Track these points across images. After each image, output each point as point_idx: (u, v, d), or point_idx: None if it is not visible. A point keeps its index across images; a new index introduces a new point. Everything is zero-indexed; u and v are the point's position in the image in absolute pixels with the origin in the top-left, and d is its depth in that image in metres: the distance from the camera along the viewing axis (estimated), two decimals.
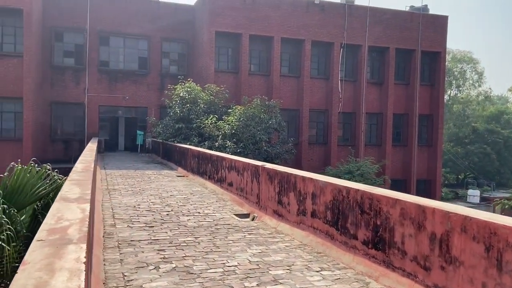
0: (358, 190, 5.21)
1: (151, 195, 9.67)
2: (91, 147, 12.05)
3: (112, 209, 7.90)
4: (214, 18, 22.59)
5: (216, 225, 7.06)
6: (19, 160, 5.78)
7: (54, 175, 5.53)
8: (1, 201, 4.46)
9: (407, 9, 28.31)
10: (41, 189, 5.15)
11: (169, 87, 20.63)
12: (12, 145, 19.68)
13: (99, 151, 21.59)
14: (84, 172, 5.60)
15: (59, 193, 3.89)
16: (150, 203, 8.64)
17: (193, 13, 25.50)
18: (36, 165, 5.57)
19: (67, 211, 3.14)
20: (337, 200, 5.65)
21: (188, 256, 5.23)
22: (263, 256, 5.34)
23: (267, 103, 19.73)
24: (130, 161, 18.67)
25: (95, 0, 23.29)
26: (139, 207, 8.20)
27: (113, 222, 6.84)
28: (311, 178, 6.33)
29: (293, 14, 23.92)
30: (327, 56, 25.56)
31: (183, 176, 13.74)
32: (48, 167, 5.50)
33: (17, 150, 19.54)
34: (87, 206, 3.38)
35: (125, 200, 8.86)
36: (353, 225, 5.31)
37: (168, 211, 7.96)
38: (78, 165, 6.56)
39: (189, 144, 16.61)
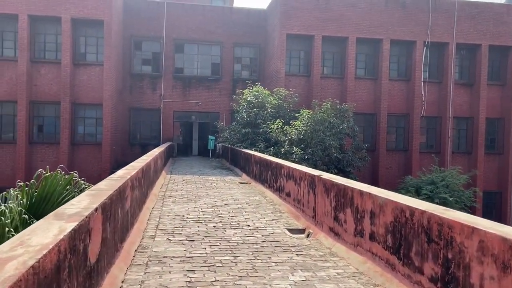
0: (425, 212, 4.13)
1: (205, 203, 9.24)
2: (153, 152, 12.05)
3: (159, 218, 7.56)
4: (285, 20, 21.99)
5: (263, 241, 6.33)
6: (61, 166, 5.63)
7: (82, 183, 5.25)
8: (22, 211, 4.21)
9: (503, 1, 25.11)
10: (68, 197, 4.89)
11: (237, 91, 20.43)
12: (93, 149, 20.88)
13: (171, 155, 22.15)
14: (116, 181, 5.23)
15: (59, 208, 3.47)
16: (201, 213, 8.18)
17: (265, 17, 25.17)
18: (75, 173, 5.32)
19: (40, 233, 2.64)
20: (399, 222, 4.60)
21: (217, 281, 4.56)
22: (306, 286, 4.49)
23: (338, 106, 18.55)
24: (199, 166, 18.70)
25: (172, 10, 24.03)
26: (187, 217, 7.76)
27: (153, 234, 6.44)
28: (369, 193, 5.32)
29: (370, 12, 22.42)
30: (408, 56, 23.55)
31: (246, 183, 13.23)
32: (76, 174, 5.24)
33: (98, 153, 20.73)
34: (72, 225, 2.87)
35: (176, 208, 8.52)
36: (418, 256, 4.23)
37: (216, 223, 7.41)
38: (119, 172, 6.27)
39: (255, 150, 16.11)
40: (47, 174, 4.87)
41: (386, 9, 22.59)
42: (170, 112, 24.26)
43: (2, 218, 3.82)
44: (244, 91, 19.33)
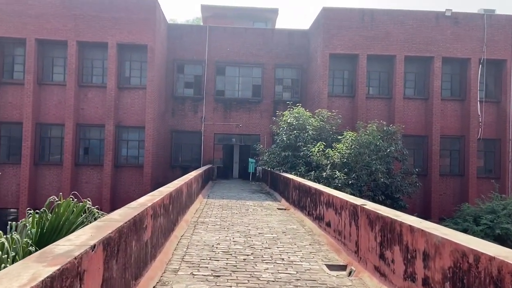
0: (494, 258, 3.28)
1: (238, 231, 8.62)
2: (187, 176, 11.67)
3: (187, 248, 7.02)
4: (329, 40, 21.42)
5: (297, 280, 5.59)
6: (74, 193, 5.27)
7: (96, 211, 4.84)
8: (29, 243, 3.82)
9: None
10: (80, 227, 4.48)
11: (277, 113, 19.93)
12: (135, 171, 21.02)
13: (211, 178, 21.86)
14: (133, 209, 4.76)
15: (53, 243, 2.99)
16: (232, 243, 7.56)
17: (307, 38, 24.75)
18: (89, 201, 4.93)
19: (4, 282, 2.14)
20: (460, 269, 3.74)
21: None
22: None
23: (385, 128, 17.48)
24: (237, 190, 18.19)
25: (214, 33, 24.24)
26: (217, 247, 7.17)
27: (177, 267, 5.89)
28: (422, 230, 4.48)
29: (419, 29, 21.35)
30: (461, 74, 22.09)
31: (284, 209, 12.49)
32: (89, 202, 4.84)
33: (139, 175, 20.83)
34: (51, 271, 2.36)
35: (206, 236, 7.96)
36: None
37: (247, 255, 6.75)
38: (142, 199, 5.82)
39: (295, 174, 15.38)
40: (60, 202, 4.51)
41: (437, 25, 21.43)
42: (211, 135, 24.15)
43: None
44: (284, 112, 18.79)
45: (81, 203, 4.80)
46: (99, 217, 4.94)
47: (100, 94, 20.64)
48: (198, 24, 25.18)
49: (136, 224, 4.45)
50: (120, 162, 21.11)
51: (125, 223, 4.02)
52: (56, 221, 4.38)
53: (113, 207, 19.92)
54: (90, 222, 4.71)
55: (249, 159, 24.05)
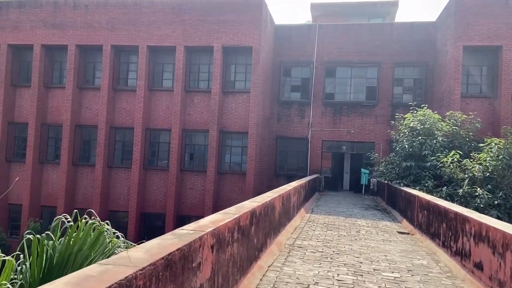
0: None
1: (344, 264, 6.54)
2: (284, 188, 9.91)
3: (273, 286, 5.22)
4: (462, 30, 17.91)
5: None
6: (89, 211, 3.90)
7: (116, 241, 3.35)
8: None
9: None
10: (95, 260, 3.04)
11: (396, 116, 17.09)
12: (238, 178, 20.08)
13: (317, 189, 19.82)
14: (177, 238, 3.14)
15: None
16: (335, 282, 5.54)
17: (434, 30, 21.29)
18: (107, 223, 3.47)
19: None
20: None
21: None
22: None
23: None
24: (347, 204, 15.86)
25: (323, 32, 22.35)
26: None
27: None
28: None
29: None
30: None
31: (407, 234, 9.93)
32: (107, 226, 3.37)
33: (242, 183, 19.83)
34: None
35: (301, 270, 6.06)
36: None
37: None
38: (204, 220, 4.20)
39: (420, 189, 12.55)
40: (73, 225, 3.17)
41: None
42: (318, 142, 22.16)
43: None
44: (406, 115, 15.92)
45: (95, 225, 3.37)
46: (119, 248, 3.46)
47: (205, 99, 20.25)
48: (307, 23, 23.52)
49: (174, 264, 2.79)
50: (223, 168, 20.38)
51: (147, 268, 2.38)
52: (67, 252, 3.01)
53: None
54: (108, 256, 3.26)
55: (362, 169, 21.40)
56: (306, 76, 22.64)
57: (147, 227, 20.47)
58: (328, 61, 22.27)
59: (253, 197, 18.82)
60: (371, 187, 20.74)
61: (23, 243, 2.95)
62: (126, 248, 3.47)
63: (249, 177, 19.37)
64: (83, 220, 3.37)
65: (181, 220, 20.08)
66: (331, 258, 6.88)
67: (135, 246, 3.08)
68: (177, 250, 2.87)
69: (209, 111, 19.91)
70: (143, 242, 2.97)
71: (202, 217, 17.45)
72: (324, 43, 22.25)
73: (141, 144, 20.06)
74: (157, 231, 20.19)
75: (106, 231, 3.35)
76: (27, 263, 2.97)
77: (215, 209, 19.26)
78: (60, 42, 20.60)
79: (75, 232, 3.22)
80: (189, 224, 3.80)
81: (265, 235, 6.46)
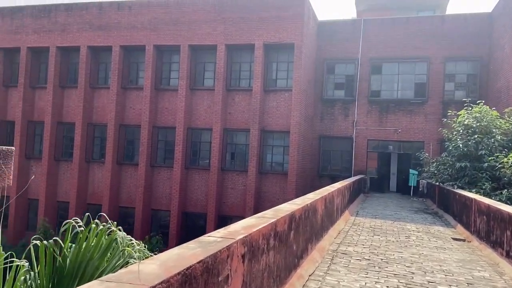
0: None
1: (394, 275, 5.92)
2: (327, 189, 9.34)
3: None
4: None
5: None
6: (100, 214, 3.58)
7: (130, 251, 2.99)
8: None
9: None
10: (106, 272, 2.72)
11: (448, 114, 15.93)
12: (279, 178, 19.63)
13: (362, 191, 18.97)
14: (200, 247, 2.76)
15: None
16: None
17: (490, 21, 19.79)
18: (120, 229, 3.13)
19: None
20: None
21: None
22: None
23: None
24: (395, 207, 14.97)
25: (369, 27, 21.41)
26: None
27: None
28: None
29: None
30: None
31: (463, 241, 9.06)
32: (120, 232, 3.01)
33: (283, 183, 19.37)
34: None
35: (346, 280, 5.52)
36: None
37: None
38: (235, 226, 3.80)
39: (476, 192, 11.53)
40: (84, 230, 2.86)
41: None
42: (363, 141, 21.24)
43: None
44: (459, 112, 14.78)
45: (107, 231, 3.04)
46: (134, 258, 3.09)
47: (246, 97, 19.96)
48: (351, 19, 22.67)
49: (194, 280, 2.40)
50: (265, 168, 20.00)
51: (157, 287, 2.00)
52: (77, 261, 2.71)
53: None
54: (121, 266, 2.91)
55: (410, 170, 20.26)
56: (351, 73, 21.80)
57: (189, 227, 20.49)
58: (374, 57, 21.31)
59: (296, 197, 18.36)
60: (420, 189, 19.59)
61: (31, 248, 2.69)
62: (140, 257, 3.12)
63: (291, 177, 18.87)
64: (93, 225, 3.06)
65: (222, 220, 19.93)
66: (379, 267, 6.27)
67: (151, 256, 2.73)
68: (198, 262, 2.48)
69: (250, 110, 19.61)
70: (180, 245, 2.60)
71: (243, 217, 17.04)
72: (369, 39, 21.32)
73: (183, 143, 20.10)
74: (199, 231, 20.14)
75: (118, 238, 3.01)
76: (33, 272, 2.70)
77: (256, 210, 18.95)
78: (105, 44, 21.09)
79: (86, 238, 2.92)
80: (218, 230, 3.41)
81: (306, 241, 5.98)
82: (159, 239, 18.93)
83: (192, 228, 20.45)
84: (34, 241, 2.71)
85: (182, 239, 20.31)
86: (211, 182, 19.75)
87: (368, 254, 7.10)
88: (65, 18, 21.66)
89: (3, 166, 3.77)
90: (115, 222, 3.08)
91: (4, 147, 3.97)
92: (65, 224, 2.99)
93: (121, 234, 3.00)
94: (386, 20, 21.69)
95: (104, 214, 3.57)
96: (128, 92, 21.37)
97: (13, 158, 3.80)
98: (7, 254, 3.07)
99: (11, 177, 3.77)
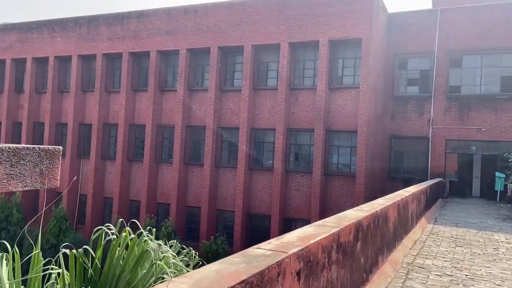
0: None
1: None
2: (399, 194, 8.41)
3: None
4: None
5: None
6: (119, 219, 3.19)
7: (161, 265, 2.54)
8: None
9: None
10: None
11: None
12: (346, 181, 18.68)
13: (441, 195, 17.40)
14: (245, 265, 2.27)
15: None
16: None
17: None
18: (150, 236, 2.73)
19: None
20: None
21: None
22: None
23: None
24: (479, 214, 13.40)
25: (446, 17, 19.66)
26: None
27: None
28: None
29: None
30: None
31: None
32: (152, 242, 2.58)
33: (351, 186, 18.40)
34: None
35: None
36: None
37: None
38: (289, 236, 3.26)
39: None
40: (116, 239, 2.49)
41: None
42: (441, 141, 19.51)
43: None
44: None
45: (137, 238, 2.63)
46: (168, 275, 2.64)
47: (310, 96, 19.27)
48: (426, 9, 20.99)
49: None
50: (330, 170, 19.14)
51: None
52: (110, 273, 2.35)
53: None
54: (155, 281, 2.50)
55: (496, 173, 18.20)
56: (426, 68, 20.18)
57: (253, 228, 20.26)
58: (453, 50, 19.51)
59: (364, 201, 17.36)
60: (508, 194, 17.49)
61: (59, 257, 2.39)
62: (175, 272, 2.70)
63: (359, 179, 17.84)
64: (124, 233, 2.71)
65: (287, 222, 19.44)
66: (464, 286, 5.36)
67: (187, 272, 2.29)
68: (240, 283, 1.99)
69: (315, 109, 18.89)
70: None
71: (308, 221, 16.47)
72: (447, 30, 19.56)
73: (246, 144, 19.91)
74: (263, 233, 19.82)
75: (151, 250, 2.61)
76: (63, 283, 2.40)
77: (322, 213, 18.21)
78: (172, 48, 21.61)
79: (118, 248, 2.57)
80: (269, 241, 2.91)
81: (376, 252, 5.27)
82: (224, 240, 18.89)
83: (256, 229, 20.19)
84: (63, 250, 2.42)
85: (247, 240, 20.13)
86: (274, 183, 19.33)
87: (450, 269, 6.17)
88: (136, 24, 22.56)
89: (48, 167, 3.55)
90: (154, 229, 2.71)
91: (50, 146, 3.74)
92: (96, 231, 2.68)
93: (153, 246, 2.60)
94: (466, 9, 19.76)
95: (136, 221, 3.21)
96: (194, 94, 21.69)
97: (60, 158, 3.60)
98: (46, 260, 2.83)
99: (58, 177, 3.57)
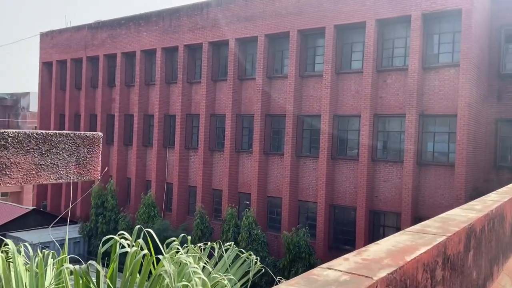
0: None
1: None
2: (506, 191, 6.83)
3: None
4: None
5: None
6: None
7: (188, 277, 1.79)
8: None
9: None
10: None
11: None
12: (444, 171, 16.68)
13: None
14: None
15: None
16: None
17: None
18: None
19: None
20: None
21: None
22: None
23: None
24: None
25: None
26: None
27: None
28: None
29: None
30: None
31: None
32: (168, 267, 1.83)
33: (449, 177, 16.41)
34: None
35: None
36: None
37: None
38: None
39: None
40: (132, 254, 1.85)
41: None
42: None
43: None
44: None
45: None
46: None
47: (401, 78, 17.49)
48: None
49: None
50: (425, 159, 17.25)
51: None
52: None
53: (414, 215, 16.41)
54: None
55: None
56: None
57: (337, 220, 19.22)
58: None
59: (465, 194, 15.30)
60: None
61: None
62: None
63: (459, 169, 15.79)
64: (134, 248, 2.02)
65: (375, 215, 18.10)
66: None
67: None
68: None
69: (406, 92, 17.09)
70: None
71: (399, 214, 14.71)
72: None
73: (328, 132, 18.79)
74: (348, 225, 18.70)
75: (164, 274, 1.91)
76: None
77: (414, 207, 16.58)
78: (251, 34, 21.12)
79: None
80: (346, 256, 2.06)
81: (490, 262, 4.10)
82: (305, 231, 18.09)
83: (341, 221, 19.14)
84: (67, 265, 1.86)
85: (330, 233, 19.14)
86: (360, 173, 17.99)
87: None
88: (215, 13, 22.47)
89: (87, 156, 3.01)
90: (189, 237, 2.07)
91: (88, 132, 3.16)
92: (105, 241, 2.06)
93: (167, 269, 1.85)
94: None
95: (151, 230, 2.46)
96: (273, 82, 21.04)
97: (100, 146, 3.07)
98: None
99: (98, 168, 3.04)
